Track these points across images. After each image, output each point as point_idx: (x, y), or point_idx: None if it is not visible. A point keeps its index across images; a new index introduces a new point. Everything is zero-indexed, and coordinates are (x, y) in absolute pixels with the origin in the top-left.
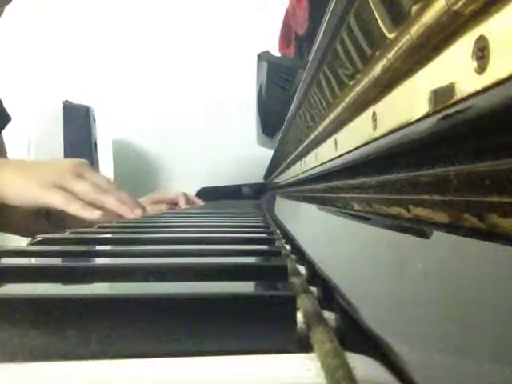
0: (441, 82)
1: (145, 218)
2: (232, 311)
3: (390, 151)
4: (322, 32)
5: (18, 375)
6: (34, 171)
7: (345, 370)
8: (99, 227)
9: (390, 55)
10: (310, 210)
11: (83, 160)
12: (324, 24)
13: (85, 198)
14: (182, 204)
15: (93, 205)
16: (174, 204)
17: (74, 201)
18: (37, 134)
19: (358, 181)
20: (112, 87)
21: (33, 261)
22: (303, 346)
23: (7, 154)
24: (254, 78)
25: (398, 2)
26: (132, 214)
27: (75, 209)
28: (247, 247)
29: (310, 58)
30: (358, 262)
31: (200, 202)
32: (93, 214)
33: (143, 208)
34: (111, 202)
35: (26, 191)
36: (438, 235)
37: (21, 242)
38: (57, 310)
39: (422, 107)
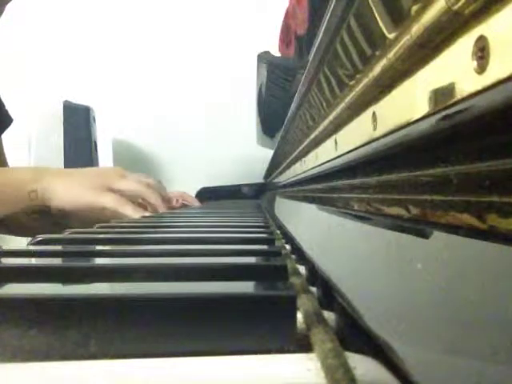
0: (441, 82)
1: (145, 217)
2: (232, 311)
3: (389, 151)
4: (321, 32)
5: (18, 375)
6: (84, 178)
7: (345, 370)
8: (99, 227)
9: (390, 55)
10: (310, 210)
11: (118, 167)
12: (324, 24)
13: (132, 194)
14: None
15: (139, 205)
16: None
17: (126, 203)
18: (37, 134)
19: (357, 181)
20: (112, 87)
21: (33, 261)
22: (303, 346)
23: (6, 157)
24: (254, 78)
25: (398, 2)
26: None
27: (128, 210)
28: (247, 247)
29: (310, 58)
30: (358, 262)
31: (196, 203)
32: (141, 214)
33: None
34: (155, 197)
35: (82, 197)
36: (437, 235)
37: (21, 242)
38: (57, 310)
39: (422, 107)
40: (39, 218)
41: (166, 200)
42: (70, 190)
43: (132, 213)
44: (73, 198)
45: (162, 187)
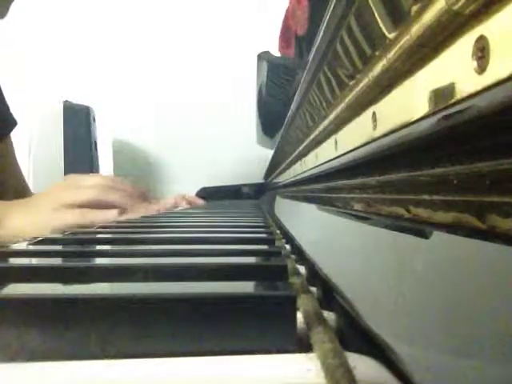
0: (441, 82)
1: (145, 217)
2: (232, 311)
3: (389, 151)
4: (321, 32)
5: (18, 375)
6: (36, 207)
7: (345, 370)
8: (99, 227)
9: (390, 55)
10: (310, 210)
11: (76, 176)
12: (324, 24)
13: (89, 203)
14: (184, 206)
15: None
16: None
17: (86, 212)
18: (37, 134)
19: (358, 181)
20: (112, 87)
21: (33, 261)
22: (303, 346)
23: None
24: (254, 78)
25: (398, 2)
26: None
27: (95, 216)
28: (247, 247)
29: (310, 58)
30: (357, 262)
31: (200, 202)
32: (112, 214)
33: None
34: (115, 197)
35: (42, 226)
36: (437, 235)
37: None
38: (57, 310)
39: (421, 107)
40: None
41: (136, 194)
42: (32, 228)
43: (98, 217)
44: (36, 232)
45: (121, 183)
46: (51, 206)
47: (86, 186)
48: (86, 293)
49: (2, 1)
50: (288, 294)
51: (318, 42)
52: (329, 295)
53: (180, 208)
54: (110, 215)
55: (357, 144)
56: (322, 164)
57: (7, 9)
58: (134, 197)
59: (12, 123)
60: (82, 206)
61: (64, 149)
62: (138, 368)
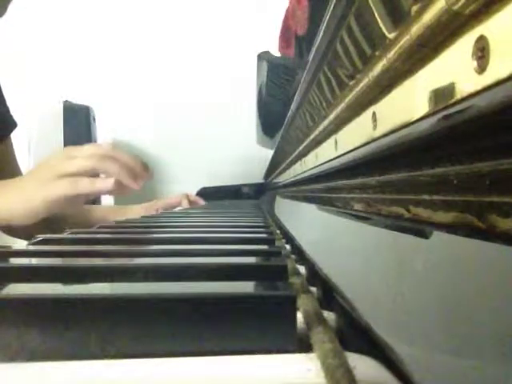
0: (441, 82)
1: (145, 217)
2: (232, 311)
3: (389, 151)
4: (321, 32)
5: (18, 375)
6: (25, 181)
7: (345, 370)
8: (99, 227)
9: (390, 55)
10: (310, 210)
11: (67, 149)
12: (324, 24)
13: (85, 173)
14: (185, 205)
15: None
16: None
17: (80, 180)
18: (37, 134)
19: (358, 181)
20: (112, 87)
21: (33, 261)
22: (303, 346)
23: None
24: (254, 78)
25: (398, 2)
26: (135, 184)
27: (85, 186)
28: (247, 247)
29: (310, 58)
30: (357, 262)
31: (201, 202)
32: (106, 183)
33: (150, 174)
34: (113, 168)
35: (29, 204)
36: (437, 235)
37: (21, 241)
38: (57, 310)
39: (421, 107)
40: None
41: (134, 167)
42: (21, 202)
43: (90, 187)
44: (27, 208)
45: (121, 154)
46: (43, 176)
47: (81, 155)
48: (85, 293)
49: (1, 0)
50: (288, 294)
51: (317, 42)
52: (329, 295)
53: (181, 208)
54: (104, 184)
55: (357, 144)
56: (322, 164)
57: (5, 8)
58: (133, 169)
59: (12, 124)
60: (76, 175)
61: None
62: (138, 368)
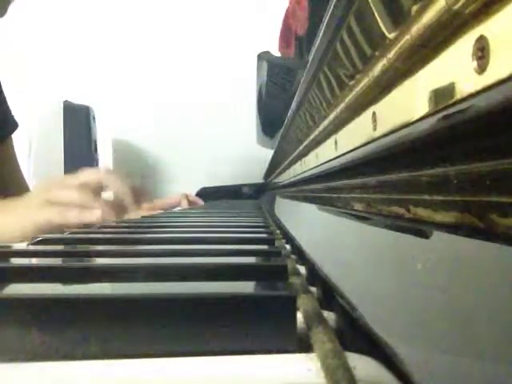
0: (441, 82)
1: (145, 217)
2: (232, 311)
3: (389, 151)
4: (321, 32)
5: (18, 375)
6: (18, 204)
7: (345, 370)
8: (99, 227)
9: (390, 55)
10: (310, 210)
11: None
12: (324, 24)
13: (71, 203)
14: (185, 205)
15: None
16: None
17: (69, 210)
18: (37, 134)
19: (358, 181)
20: (112, 87)
21: (33, 261)
22: (303, 345)
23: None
24: (254, 78)
25: (398, 2)
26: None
27: (72, 217)
28: (247, 247)
29: (310, 58)
30: (357, 262)
31: (201, 202)
32: (93, 215)
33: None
34: (99, 205)
35: (21, 227)
36: (438, 235)
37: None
38: (57, 310)
39: (422, 107)
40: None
41: (128, 194)
42: (13, 225)
43: (78, 217)
44: (19, 232)
45: (114, 178)
46: (36, 201)
47: (74, 185)
48: (85, 293)
49: (1, 1)
50: (288, 294)
51: (317, 42)
52: (329, 295)
53: (180, 208)
54: (92, 217)
55: (357, 144)
56: (322, 164)
57: (6, 9)
58: (124, 199)
59: (13, 125)
60: (66, 205)
61: (64, 149)
62: (138, 368)
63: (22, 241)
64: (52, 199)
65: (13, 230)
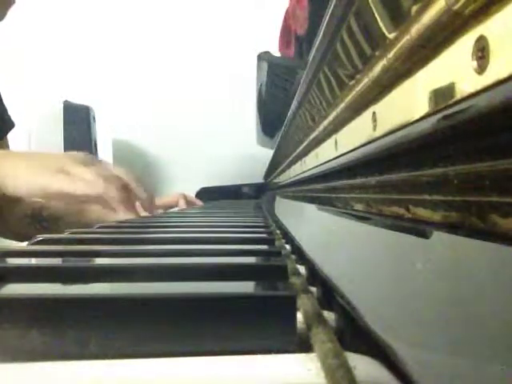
0: (441, 82)
1: (145, 217)
2: (232, 311)
3: (389, 151)
4: (321, 32)
5: (18, 375)
6: (37, 159)
7: (345, 370)
8: (99, 227)
9: (390, 55)
10: (310, 210)
11: (84, 154)
12: (324, 24)
13: (86, 191)
14: (182, 205)
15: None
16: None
17: (80, 180)
18: (37, 134)
19: (358, 181)
20: (112, 87)
21: (33, 261)
22: (303, 345)
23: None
24: (253, 78)
25: (398, 2)
26: (124, 215)
27: (80, 188)
28: (247, 247)
29: (310, 58)
30: (357, 262)
31: (199, 203)
32: (100, 188)
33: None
34: (111, 192)
35: (30, 179)
36: (437, 235)
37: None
38: (57, 310)
39: (422, 107)
40: (31, 222)
41: (137, 198)
42: (16, 172)
43: (85, 189)
44: (17, 181)
45: (135, 188)
46: (52, 168)
47: (96, 170)
48: (85, 293)
49: (1, 5)
50: (288, 294)
51: (317, 42)
52: (329, 295)
53: (178, 208)
54: (99, 189)
55: (357, 144)
56: (322, 164)
57: (5, 13)
58: (131, 207)
59: (10, 125)
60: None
61: (64, 149)
62: (138, 368)
63: (24, 194)
64: (69, 170)
65: (20, 183)
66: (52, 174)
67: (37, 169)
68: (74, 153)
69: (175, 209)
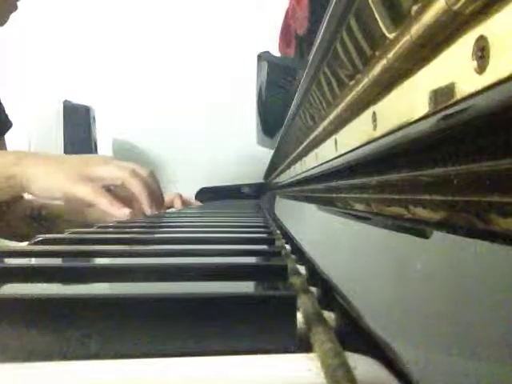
0: (441, 82)
1: (145, 217)
2: (232, 311)
3: (389, 151)
4: (321, 32)
5: (18, 375)
6: (63, 165)
7: (345, 370)
8: (99, 227)
9: (390, 55)
10: (310, 210)
11: (110, 156)
12: (324, 24)
13: (112, 181)
14: (178, 206)
15: (121, 201)
16: (169, 207)
17: (102, 194)
18: (37, 134)
19: (358, 181)
20: (112, 87)
21: (33, 261)
22: (303, 345)
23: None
24: (254, 78)
25: (398, 2)
26: (151, 209)
27: (103, 203)
28: (247, 247)
29: (310, 58)
30: (357, 262)
31: (196, 203)
32: (121, 212)
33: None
34: (139, 187)
35: (51, 183)
36: (437, 235)
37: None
38: (57, 310)
39: (422, 107)
40: (32, 222)
41: (157, 197)
42: (47, 179)
43: (107, 206)
44: (38, 184)
45: (153, 181)
46: (74, 174)
47: (117, 165)
48: (85, 293)
49: (3, 11)
50: (288, 293)
51: (317, 42)
52: (329, 295)
53: (174, 208)
54: (119, 213)
55: (357, 144)
56: (321, 164)
57: (7, 18)
58: (155, 200)
59: (7, 124)
60: (105, 183)
61: (64, 149)
62: (138, 368)
63: (43, 197)
64: (95, 175)
65: (42, 186)
66: (74, 180)
67: (60, 172)
68: (95, 155)
69: (172, 209)
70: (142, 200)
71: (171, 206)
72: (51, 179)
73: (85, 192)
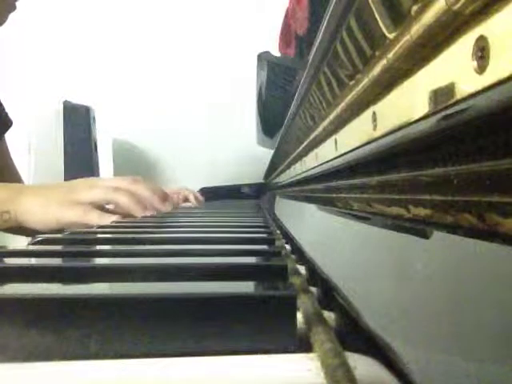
0: (441, 82)
1: (145, 217)
2: (232, 311)
3: (389, 151)
4: (321, 32)
5: (18, 375)
6: (53, 195)
7: (345, 370)
8: (99, 227)
9: (390, 55)
10: (310, 210)
11: (100, 177)
12: (324, 24)
13: (101, 203)
14: (193, 200)
15: (111, 212)
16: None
17: (90, 211)
18: (37, 134)
19: (357, 181)
20: (112, 87)
21: (33, 261)
22: (303, 346)
23: (12, 157)
24: (254, 78)
25: (398, 2)
26: (145, 212)
27: (94, 219)
28: (247, 247)
29: (310, 58)
30: (357, 262)
31: (193, 200)
32: (111, 219)
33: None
34: (123, 200)
35: (45, 215)
36: (437, 235)
37: (21, 241)
38: (57, 310)
39: (422, 107)
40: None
41: (143, 200)
42: (41, 212)
43: (97, 221)
44: (42, 219)
45: (138, 187)
46: (64, 201)
47: (101, 186)
48: (85, 293)
49: (2, 11)
50: (288, 293)
51: (317, 42)
52: (329, 295)
53: (190, 203)
54: (110, 220)
55: (357, 144)
56: (321, 164)
57: (6, 18)
58: (146, 200)
59: (8, 123)
60: (91, 204)
61: (64, 149)
62: (137, 368)
63: (43, 229)
64: (78, 199)
65: (37, 219)
66: (65, 207)
67: (51, 203)
68: (81, 181)
69: (188, 204)
70: (130, 209)
71: (186, 200)
72: (44, 212)
73: (77, 215)
